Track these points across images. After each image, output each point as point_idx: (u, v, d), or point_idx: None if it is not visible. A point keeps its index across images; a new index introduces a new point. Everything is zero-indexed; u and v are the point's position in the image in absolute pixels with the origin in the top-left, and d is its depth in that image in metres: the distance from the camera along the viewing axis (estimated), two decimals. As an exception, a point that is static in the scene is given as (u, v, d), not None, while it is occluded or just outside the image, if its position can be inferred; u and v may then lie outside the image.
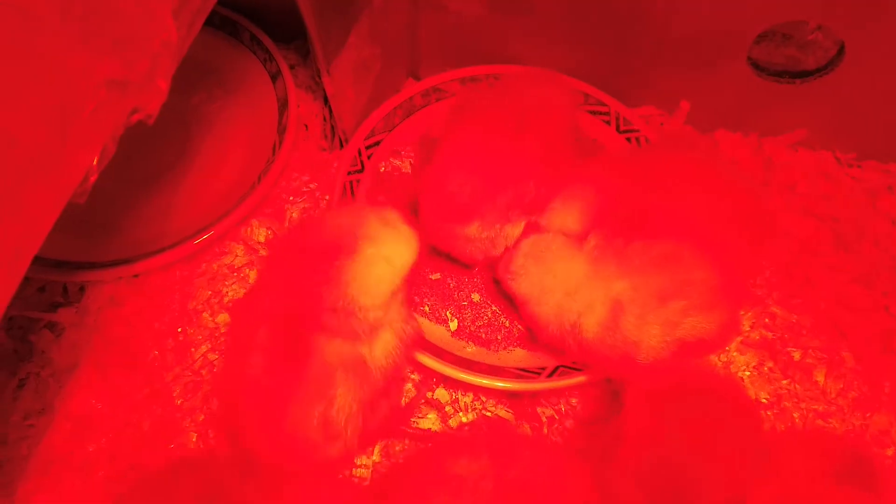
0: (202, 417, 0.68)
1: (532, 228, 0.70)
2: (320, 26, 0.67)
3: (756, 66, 0.80)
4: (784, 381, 0.72)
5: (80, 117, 0.41)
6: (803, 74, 0.80)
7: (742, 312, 0.75)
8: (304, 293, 0.56)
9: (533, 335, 0.69)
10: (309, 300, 0.56)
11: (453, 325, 0.73)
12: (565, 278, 0.65)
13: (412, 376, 0.71)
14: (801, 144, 0.86)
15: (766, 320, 0.75)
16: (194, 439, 0.66)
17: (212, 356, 0.71)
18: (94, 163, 0.43)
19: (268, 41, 0.88)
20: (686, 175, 0.69)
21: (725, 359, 0.73)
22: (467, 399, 0.71)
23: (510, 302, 0.71)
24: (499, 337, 0.72)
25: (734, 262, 0.67)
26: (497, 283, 0.72)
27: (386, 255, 0.57)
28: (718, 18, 0.75)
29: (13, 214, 0.39)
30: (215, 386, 0.69)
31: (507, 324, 0.73)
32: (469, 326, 0.73)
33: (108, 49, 0.42)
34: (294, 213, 0.81)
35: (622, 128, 0.84)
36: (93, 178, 0.44)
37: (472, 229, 0.67)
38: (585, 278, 0.65)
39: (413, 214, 0.78)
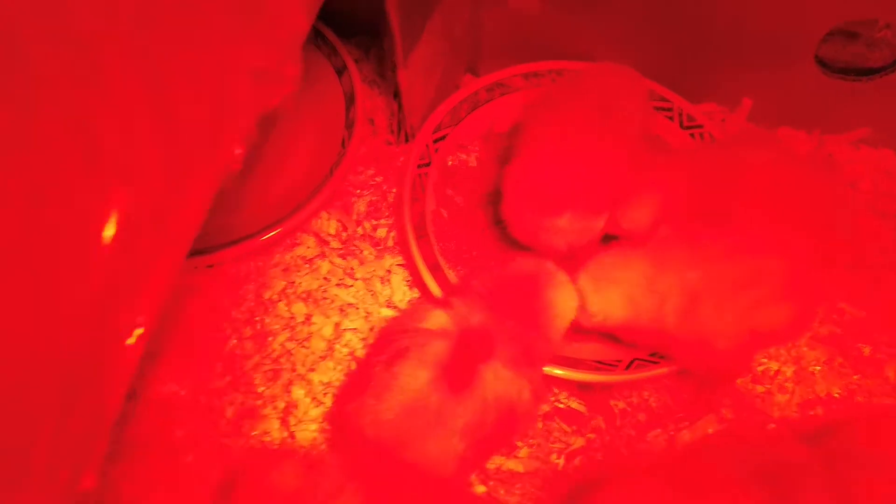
0: (283, 405, 0.68)
1: (610, 224, 0.70)
2: (403, 21, 0.68)
3: (822, 63, 0.80)
4: (855, 377, 0.72)
5: (233, 104, 0.42)
6: (869, 72, 0.80)
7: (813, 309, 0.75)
8: (491, 324, 0.60)
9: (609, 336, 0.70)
10: (494, 331, 0.59)
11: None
12: (643, 280, 0.65)
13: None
14: (862, 142, 0.87)
15: (835, 316, 0.76)
16: (277, 426, 0.67)
17: (290, 345, 0.72)
18: (241, 150, 0.44)
19: (332, 36, 0.89)
20: (759, 171, 0.70)
21: (795, 353, 0.74)
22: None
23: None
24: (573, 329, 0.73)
25: (805, 256, 0.68)
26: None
27: (571, 307, 0.64)
28: (788, 17, 0.76)
29: (183, 197, 0.40)
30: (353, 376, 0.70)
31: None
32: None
33: (254, 39, 0.43)
34: (361, 207, 0.82)
35: (685, 124, 0.84)
36: (238, 166, 0.45)
37: (564, 221, 0.68)
38: (654, 270, 0.65)
39: (480, 208, 0.80)
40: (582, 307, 0.66)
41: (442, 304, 0.63)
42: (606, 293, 0.66)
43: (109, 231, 0.37)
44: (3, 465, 0.35)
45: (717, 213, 0.69)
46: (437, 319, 0.61)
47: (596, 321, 0.67)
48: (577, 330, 0.67)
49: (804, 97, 0.84)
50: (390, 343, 0.60)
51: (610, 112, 0.69)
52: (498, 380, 0.58)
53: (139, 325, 0.38)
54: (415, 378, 0.57)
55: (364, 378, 0.61)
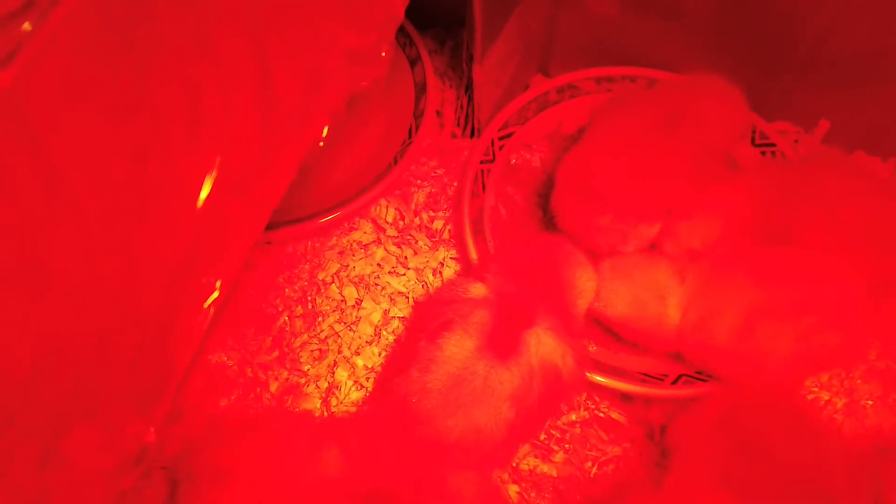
0: (326, 385, 0.70)
1: (667, 233, 0.69)
2: (485, 15, 0.68)
3: (908, 89, 0.78)
4: (908, 415, 0.70)
5: (324, 82, 0.43)
6: (954, 102, 0.77)
7: (870, 339, 0.73)
8: (528, 293, 0.61)
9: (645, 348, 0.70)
10: (532, 299, 0.60)
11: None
12: (656, 286, 0.66)
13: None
14: (941, 173, 0.84)
15: (895, 351, 0.73)
16: (318, 405, 0.69)
17: (338, 327, 0.73)
18: (326, 129, 0.45)
19: (409, 27, 0.89)
20: (831, 194, 0.68)
21: (848, 385, 0.72)
22: (580, 397, 0.71)
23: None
24: (618, 339, 0.72)
25: (866, 284, 0.66)
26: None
27: (591, 286, 0.66)
28: (878, 38, 0.73)
29: (271, 168, 0.41)
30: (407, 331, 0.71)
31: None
32: (591, 325, 0.73)
33: (352, 21, 0.44)
34: (421, 197, 0.82)
35: (758, 141, 0.83)
36: (322, 142, 0.46)
37: (605, 220, 0.67)
38: (674, 281, 0.66)
39: (540, 209, 0.80)
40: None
41: (478, 276, 0.64)
42: (617, 285, 0.67)
43: (203, 194, 0.38)
44: (73, 411, 0.36)
45: (781, 234, 0.67)
46: (477, 290, 0.62)
47: (597, 308, 0.67)
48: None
49: (884, 122, 0.82)
50: (433, 317, 0.61)
51: (682, 122, 0.68)
52: (541, 345, 0.58)
53: (216, 290, 0.40)
54: (461, 348, 0.58)
55: (408, 353, 0.61)
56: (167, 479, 0.64)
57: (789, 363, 0.62)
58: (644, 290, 0.66)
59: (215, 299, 0.40)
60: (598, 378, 0.66)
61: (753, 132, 0.83)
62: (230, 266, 0.41)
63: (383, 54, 0.50)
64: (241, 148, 0.40)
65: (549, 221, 0.77)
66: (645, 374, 0.68)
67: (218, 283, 0.40)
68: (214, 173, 0.38)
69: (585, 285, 0.64)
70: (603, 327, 0.72)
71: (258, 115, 0.40)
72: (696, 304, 0.65)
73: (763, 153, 0.82)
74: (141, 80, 0.32)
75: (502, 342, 0.58)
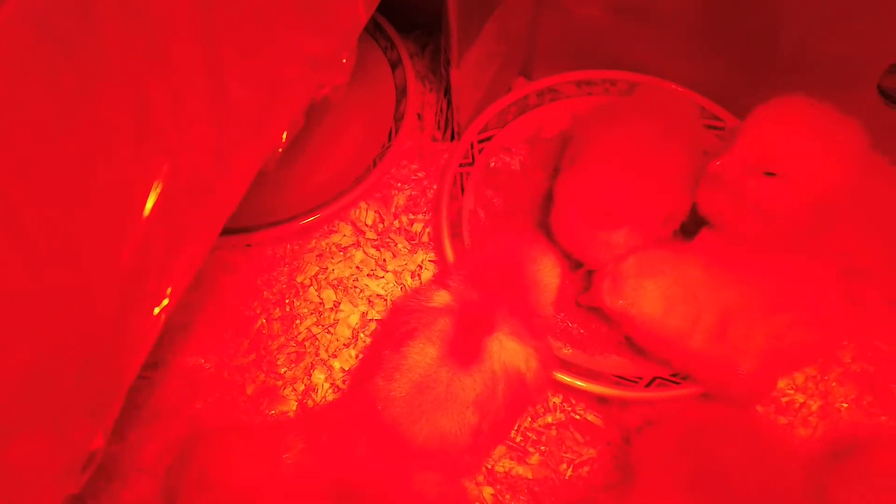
0: (303, 388, 0.70)
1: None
2: (461, 19, 0.68)
3: (885, 94, 0.78)
4: (883, 417, 0.71)
5: (285, 89, 0.44)
6: (934, 107, 0.77)
7: (845, 342, 0.73)
8: (490, 299, 0.61)
9: (633, 351, 0.69)
10: (493, 305, 0.60)
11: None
12: (689, 284, 0.64)
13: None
14: (921, 178, 0.84)
15: (869, 354, 0.74)
16: (294, 408, 0.69)
17: (315, 330, 0.73)
18: (285, 135, 0.46)
19: (391, 30, 0.90)
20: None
21: (823, 387, 0.72)
22: (556, 400, 0.72)
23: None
24: (596, 341, 0.72)
25: (839, 284, 0.67)
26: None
27: (554, 277, 0.64)
28: (855, 45, 0.74)
29: (226, 176, 0.41)
30: (375, 340, 0.71)
31: (606, 329, 0.73)
32: (566, 328, 0.73)
33: (313, 28, 0.45)
34: (401, 200, 0.82)
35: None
36: (281, 149, 0.46)
37: (619, 236, 0.68)
38: (700, 284, 0.64)
39: (519, 212, 0.80)
40: (611, 288, 0.66)
41: (441, 283, 0.64)
42: (645, 283, 0.65)
43: (150, 202, 0.38)
44: (18, 418, 0.36)
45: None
46: (441, 298, 0.62)
47: (619, 306, 0.66)
48: (595, 310, 0.69)
49: (863, 125, 0.82)
50: (397, 326, 0.61)
51: (673, 132, 0.69)
52: (504, 350, 0.59)
53: (166, 297, 0.40)
54: (424, 356, 0.58)
55: (374, 362, 0.62)
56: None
57: (762, 362, 0.62)
58: (678, 288, 0.64)
59: (165, 306, 0.40)
60: (572, 381, 0.66)
61: (702, 112, 0.84)
62: (182, 273, 0.41)
63: (344, 61, 0.50)
64: (193, 156, 0.40)
65: (536, 228, 0.78)
66: (619, 377, 0.68)
67: (168, 290, 0.40)
68: (164, 181, 0.38)
69: (549, 279, 0.64)
70: (577, 329, 0.73)
71: (211, 122, 0.40)
72: (677, 308, 0.65)
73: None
74: (83, 89, 0.33)
75: (464, 349, 0.58)
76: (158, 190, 0.38)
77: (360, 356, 0.72)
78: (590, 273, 0.75)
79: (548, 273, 0.64)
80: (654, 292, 0.64)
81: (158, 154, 0.38)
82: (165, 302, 0.40)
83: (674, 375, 0.68)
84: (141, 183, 0.37)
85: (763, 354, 0.62)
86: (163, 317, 0.41)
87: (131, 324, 0.39)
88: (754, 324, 0.62)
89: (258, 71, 0.43)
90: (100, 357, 0.39)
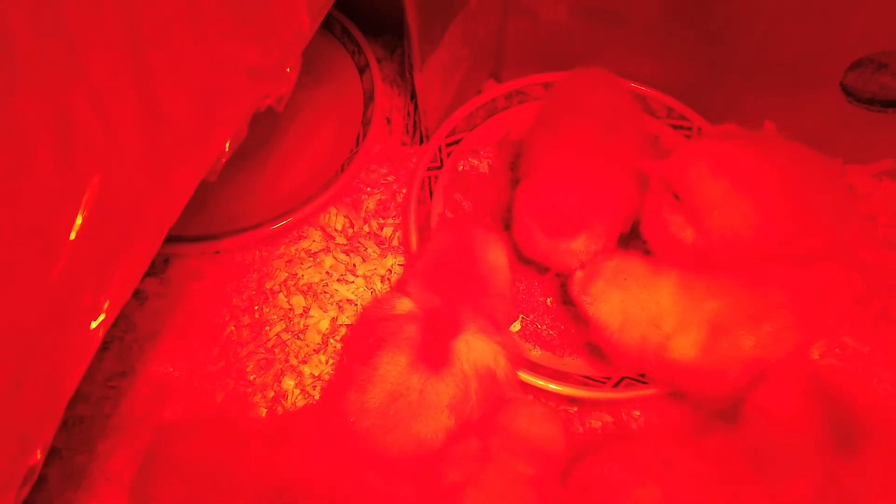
0: (272, 394, 0.70)
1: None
2: (421, 24, 0.68)
3: (847, 92, 0.79)
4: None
5: (224, 100, 0.44)
6: (895, 104, 0.78)
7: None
8: (452, 300, 0.62)
9: (601, 352, 0.69)
10: (456, 306, 0.61)
11: (516, 326, 0.74)
12: (650, 308, 0.63)
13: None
14: (885, 174, 0.85)
15: (837, 350, 0.74)
16: (264, 414, 0.69)
17: (285, 336, 0.73)
18: (228, 144, 0.45)
19: (358, 34, 0.90)
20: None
21: (792, 385, 0.72)
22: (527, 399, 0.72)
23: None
24: (565, 343, 0.73)
25: (813, 287, 0.67)
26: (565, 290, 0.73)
27: (502, 257, 0.66)
28: (816, 43, 0.75)
29: (163, 189, 0.41)
30: (344, 354, 0.71)
31: (574, 331, 0.73)
32: (535, 330, 0.74)
33: (253, 38, 0.45)
34: (370, 204, 0.82)
35: (676, 122, 0.85)
36: (224, 159, 0.46)
37: (579, 243, 0.68)
38: (672, 304, 0.64)
39: (488, 214, 0.80)
40: (584, 285, 0.66)
41: (402, 290, 0.64)
42: (618, 294, 0.64)
43: (80, 215, 0.38)
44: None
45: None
46: (403, 306, 0.62)
47: (581, 301, 0.66)
48: (566, 308, 0.70)
49: (827, 125, 0.83)
50: (364, 338, 0.62)
51: (613, 128, 0.69)
52: (471, 350, 0.59)
53: (103, 311, 0.40)
54: (394, 364, 0.59)
55: (344, 376, 0.62)
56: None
57: (748, 370, 0.62)
58: (637, 308, 0.64)
59: (103, 320, 0.40)
60: (539, 382, 0.66)
61: (699, 134, 0.84)
62: (120, 286, 0.41)
63: (288, 70, 0.50)
64: (125, 168, 0.40)
65: (503, 231, 0.78)
66: (587, 378, 0.68)
67: (106, 305, 0.40)
68: (94, 193, 0.38)
69: (498, 261, 0.65)
70: (546, 331, 0.73)
71: (144, 134, 0.40)
72: (661, 324, 0.65)
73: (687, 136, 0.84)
74: (3, 104, 0.33)
75: (433, 354, 0.59)
76: (86, 203, 0.38)
77: (331, 362, 0.72)
78: (558, 276, 0.76)
79: (495, 256, 0.65)
80: (615, 304, 0.64)
81: (87, 167, 0.38)
82: (102, 317, 0.40)
83: (642, 376, 0.68)
84: (69, 196, 0.37)
85: (749, 363, 0.62)
86: (101, 331, 0.41)
87: (67, 339, 0.39)
88: (740, 334, 0.62)
89: (193, 82, 0.43)
90: (34, 373, 0.38)
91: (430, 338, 0.59)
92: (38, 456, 0.39)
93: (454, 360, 0.59)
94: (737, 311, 0.63)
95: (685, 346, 0.62)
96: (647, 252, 0.71)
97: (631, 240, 0.75)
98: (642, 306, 0.63)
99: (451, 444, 0.59)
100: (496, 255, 0.65)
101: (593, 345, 0.72)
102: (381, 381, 0.59)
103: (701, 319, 0.62)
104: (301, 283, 0.76)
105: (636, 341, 0.63)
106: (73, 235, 0.38)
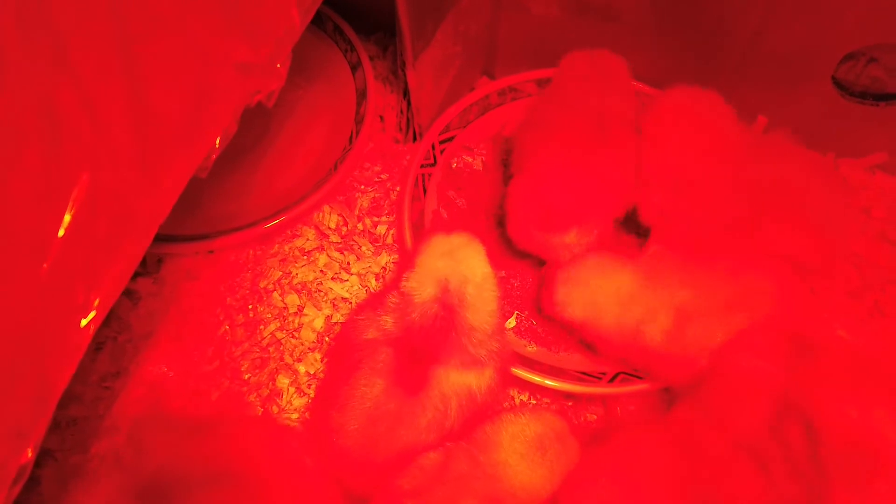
0: (267, 393, 0.70)
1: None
2: (413, 21, 0.68)
3: (840, 85, 0.79)
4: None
5: (213, 97, 0.43)
6: (888, 97, 0.78)
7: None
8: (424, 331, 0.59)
9: (596, 349, 0.70)
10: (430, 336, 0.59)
11: (511, 323, 0.74)
12: (617, 292, 0.65)
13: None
14: (878, 168, 0.85)
15: (832, 343, 0.74)
16: (259, 413, 0.68)
17: (279, 335, 0.73)
18: (218, 140, 0.45)
19: (350, 32, 0.90)
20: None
21: (786, 378, 0.72)
22: (523, 397, 0.72)
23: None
24: (560, 339, 0.73)
25: (798, 278, 0.68)
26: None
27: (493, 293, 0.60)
28: (809, 37, 0.75)
29: (152, 185, 0.41)
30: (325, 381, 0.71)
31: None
32: (530, 326, 0.74)
33: (242, 34, 0.44)
34: (364, 203, 0.82)
35: None
36: (214, 156, 0.46)
37: (571, 237, 0.68)
38: (640, 287, 0.65)
39: (482, 211, 0.80)
40: (549, 295, 0.67)
41: (382, 309, 0.62)
42: (581, 291, 0.66)
43: (69, 211, 0.38)
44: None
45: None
46: (382, 326, 0.62)
47: (555, 312, 0.67)
48: (546, 316, 0.70)
49: (820, 119, 0.83)
50: (344, 358, 0.62)
51: (604, 119, 0.69)
52: (449, 378, 0.59)
53: (94, 309, 0.39)
54: (372, 387, 0.59)
55: (329, 392, 0.62)
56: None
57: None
58: (602, 296, 0.66)
59: (93, 318, 0.40)
60: (536, 378, 0.66)
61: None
62: (111, 284, 0.41)
63: (279, 66, 0.50)
64: (114, 164, 0.39)
65: (496, 227, 0.78)
66: (583, 373, 0.68)
67: (96, 302, 0.40)
68: (83, 190, 0.38)
69: (484, 302, 0.59)
70: (541, 327, 0.73)
71: (133, 131, 0.40)
72: (632, 308, 0.65)
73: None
74: None
75: (410, 378, 0.59)
76: (75, 200, 0.37)
77: (328, 359, 0.72)
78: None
79: (483, 293, 0.59)
80: (583, 299, 0.66)
81: (75, 164, 0.37)
82: (93, 314, 0.40)
83: (637, 370, 0.68)
84: (58, 193, 0.37)
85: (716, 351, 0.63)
86: (91, 329, 0.40)
87: (57, 337, 0.39)
88: (712, 322, 0.63)
89: (182, 78, 0.43)
90: (23, 371, 0.38)
91: (406, 363, 0.59)
92: (30, 454, 0.39)
93: (433, 384, 0.58)
94: (707, 299, 0.64)
95: (653, 332, 0.64)
96: (641, 239, 0.73)
97: (626, 231, 0.76)
98: (606, 293, 0.66)
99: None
100: (485, 296, 0.59)
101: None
102: (361, 402, 0.59)
103: (669, 307, 0.64)
104: (295, 281, 0.76)
105: (614, 327, 0.65)
106: (61, 233, 0.37)
